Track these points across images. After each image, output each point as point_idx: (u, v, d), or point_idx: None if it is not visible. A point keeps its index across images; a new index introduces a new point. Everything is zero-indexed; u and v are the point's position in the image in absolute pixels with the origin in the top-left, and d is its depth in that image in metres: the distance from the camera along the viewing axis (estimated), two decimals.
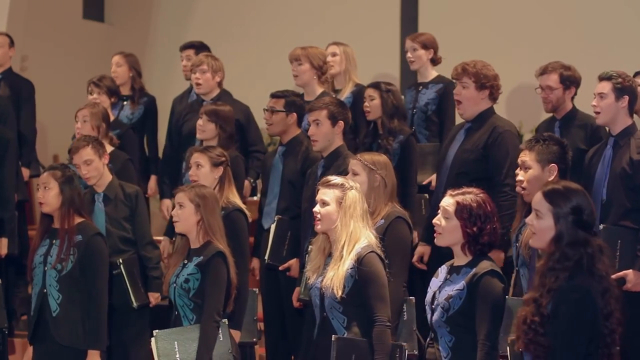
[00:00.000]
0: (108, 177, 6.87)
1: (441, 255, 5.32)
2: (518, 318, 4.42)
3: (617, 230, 5.90)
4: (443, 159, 6.74)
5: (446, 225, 4.89)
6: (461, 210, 4.84)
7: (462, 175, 6.39)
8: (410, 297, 5.84)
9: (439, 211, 4.95)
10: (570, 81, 7.03)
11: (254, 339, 6.43)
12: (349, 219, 5.31)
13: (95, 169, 6.79)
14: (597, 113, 6.22)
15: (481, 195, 4.90)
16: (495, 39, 10.26)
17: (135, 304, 6.69)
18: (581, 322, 4.29)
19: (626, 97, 6.17)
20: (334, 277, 5.23)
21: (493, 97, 6.68)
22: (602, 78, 6.22)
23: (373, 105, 7.47)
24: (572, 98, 7.11)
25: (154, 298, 6.79)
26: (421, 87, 7.99)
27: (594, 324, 4.30)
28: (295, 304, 6.73)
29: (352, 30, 10.11)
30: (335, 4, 11.13)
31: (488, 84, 6.61)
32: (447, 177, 6.57)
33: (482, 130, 6.61)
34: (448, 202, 4.90)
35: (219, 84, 8.07)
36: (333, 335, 5.19)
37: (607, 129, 6.41)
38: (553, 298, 4.32)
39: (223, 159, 6.46)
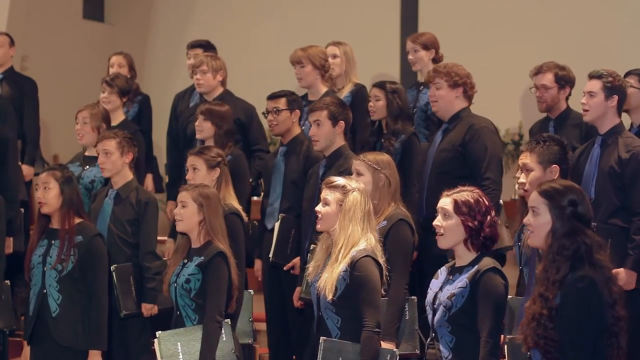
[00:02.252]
0: (127, 177, 6.79)
1: (436, 256, 5.32)
2: (526, 317, 4.42)
3: (606, 229, 5.89)
4: (424, 162, 6.80)
5: (447, 224, 4.89)
6: (460, 206, 4.86)
7: (443, 174, 6.43)
8: (412, 297, 5.85)
9: (438, 213, 4.95)
10: (565, 81, 7.05)
11: (250, 341, 6.42)
12: (348, 222, 5.31)
13: (112, 163, 6.72)
14: (586, 111, 6.23)
15: (476, 191, 4.94)
16: (495, 38, 10.27)
17: (122, 313, 6.57)
18: (588, 312, 4.30)
19: (615, 97, 6.17)
20: (327, 280, 5.24)
21: (467, 95, 6.73)
22: (592, 76, 6.22)
23: (378, 105, 7.45)
24: (567, 98, 7.12)
25: (146, 309, 6.63)
26: (422, 86, 7.99)
27: (601, 314, 4.31)
28: (296, 303, 6.73)
29: (352, 30, 10.12)
30: (335, 4, 11.14)
31: (460, 82, 6.67)
32: (429, 178, 6.62)
33: (458, 129, 6.66)
34: (445, 201, 4.91)
35: (222, 83, 8.07)
36: (321, 337, 5.20)
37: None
38: (560, 291, 4.34)
39: (219, 159, 6.45)
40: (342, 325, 5.25)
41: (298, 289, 6.66)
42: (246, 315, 6.33)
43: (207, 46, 8.74)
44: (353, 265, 5.21)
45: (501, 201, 6.62)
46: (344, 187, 5.38)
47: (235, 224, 6.30)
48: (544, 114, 7.28)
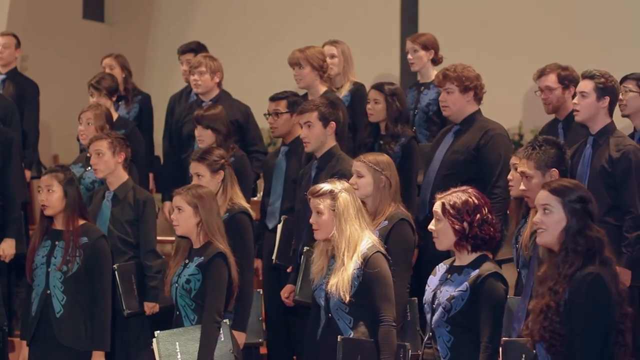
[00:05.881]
0: (122, 178, 6.78)
1: (436, 257, 5.33)
2: (533, 313, 4.45)
3: (600, 227, 5.88)
4: (430, 162, 6.80)
5: (438, 227, 4.92)
6: (447, 209, 4.88)
7: (452, 176, 6.43)
8: (413, 298, 5.88)
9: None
10: (569, 80, 7.04)
11: (260, 340, 6.45)
12: (344, 224, 5.34)
13: (105, 163, 6.71)
14: (577, 111, 6.24)
15: (469, 190, 4.94)
16: (496, 38, 10.27)
17: (125, 312, 6.59)
18: (597, 307, 4.33)
19: (607, 98, 6.19)
20: (339, 283, 5.26)
21: (478, 97, 6.76)
22: (584, 77, 6.25)
23: (377, 109, 7.44)
24: (573, 98, 7.10)
25: (148, 308, 6.66)
26: (422, 87, 8.00)
27: (609, 309, 4.34)
28: (284, 300, 6.73)
29: (352, 31, 10.10)
30: (335, 4, 11.13)
31: (471, 86, 6.69)
32: (435, 178, 6.63)
33: (472, 132, 6.68)
34: (437, 205, 4.94)
35: (218, 85, 8.07)
36: (339, 336, 5.21)
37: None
38: (568, 286, 4.36)
39: (222, 161, 6.43)
40: (354, 325, 5.27)
41: (288, 286, 6.68)
42: (255, 315, 6.37)
43: (198, 49, 8.74)
44: (366, 262, 5.25)
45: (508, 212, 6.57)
46: (331, 191, 5.40)
47: (245, 222, 6.32)
48: (545, 114, 7.28)
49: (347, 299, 5.22)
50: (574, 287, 4.36)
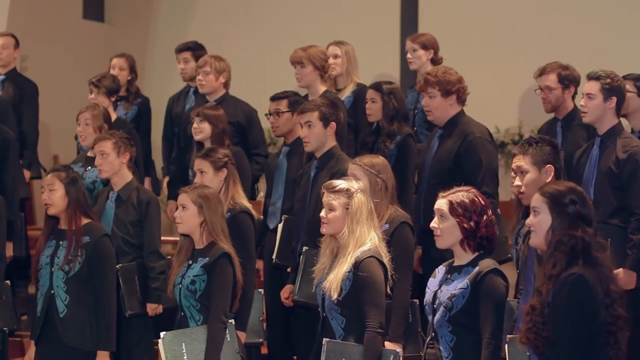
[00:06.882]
0: (126, 178, 6.80)
1: (436, 259, 5.34)
2: (523, 312, 4.46)
3: (606, 229, 5.89)
4: (422, 167, 6.83)
5: (443, 225, 4.91)
6: (455, 207, 4.88)
7: (440, 185, 6.36)
8: (415, 300, 5.88)
9: (435, 214, 4.96)
10: (569, 80, 7.04)
11: (260, 340, 6.46)
12: (356, 225, 5.33)
13: (109, 164, 6.73)
14: (584, 113, 6.23)
15: (472, 190, 4.95)
16: (496, 39, 10.27)
17: (127, 313, 6.60)
18: (578, 307, 4.32)
19: (614, 98, 6.18)
20: (332, 280, 5.26)
21: (461, 100, 6.77)
22: (590, 78, 6.23)
23: (375, 108, 7.45)
24: (573, 97, 7.11)
25: (151, 309, 6.68)
26: None
27: (594, 311, 4.32)
28: (284, 301, 6.73)
29: (352, 30, 10.11)
30: (335, 3, 11.13)
31: (453, 89, 6.70)
32: (426, 189, 6.65)
33: (453, 137, 6.70)
34: (441, 203, 4.94)
35: (225, 85, 8.09)
36: (324, 339, 5.22)
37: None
38: (553, 286, 4.36)
39: (225, 159, 6.45)
40: (346, 326, 5.27)
41: (288, 286, 6.69)
42: (256, 315, 6.39)
43: (196, 48, 8.76)
44: (357, 265, 5.23)
45: (498, 211, 6.53)
46: (347, 190, 5.38)
47: (246, 222, 6.33)
48: (545, 114, 7.28)
49: (335, 297, 5.23)
50: (557, 289, 4.36)
